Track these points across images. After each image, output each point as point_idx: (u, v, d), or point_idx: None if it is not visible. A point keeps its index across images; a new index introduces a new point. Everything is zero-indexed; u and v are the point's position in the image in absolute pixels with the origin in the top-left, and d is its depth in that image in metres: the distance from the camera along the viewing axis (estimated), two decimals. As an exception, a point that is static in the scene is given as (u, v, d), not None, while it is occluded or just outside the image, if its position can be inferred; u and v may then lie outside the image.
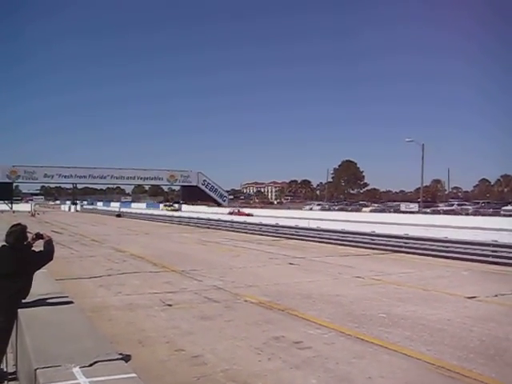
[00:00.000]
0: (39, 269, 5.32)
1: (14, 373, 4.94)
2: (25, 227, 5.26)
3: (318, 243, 23.19)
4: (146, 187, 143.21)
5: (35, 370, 3.35)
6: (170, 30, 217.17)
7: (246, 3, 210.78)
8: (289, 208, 78.74)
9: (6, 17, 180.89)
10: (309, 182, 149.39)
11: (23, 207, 73.70)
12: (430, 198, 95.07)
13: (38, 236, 5.31)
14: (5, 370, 5.01)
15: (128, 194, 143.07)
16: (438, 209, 63.54)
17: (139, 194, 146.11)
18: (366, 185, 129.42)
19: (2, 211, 64.37)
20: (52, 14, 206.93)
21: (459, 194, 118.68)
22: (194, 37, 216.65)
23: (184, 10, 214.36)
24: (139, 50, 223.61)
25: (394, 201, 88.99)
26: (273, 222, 31.12)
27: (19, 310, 4.93)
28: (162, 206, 78.30)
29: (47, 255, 5.25)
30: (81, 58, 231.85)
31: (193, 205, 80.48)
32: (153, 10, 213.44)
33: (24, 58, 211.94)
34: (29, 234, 5.26)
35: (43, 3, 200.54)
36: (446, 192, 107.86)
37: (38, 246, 5.33)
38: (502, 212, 51.54)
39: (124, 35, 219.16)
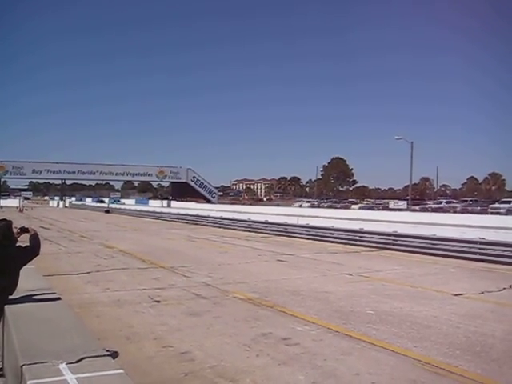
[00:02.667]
0: (26, 264, 5.27)
1: (1, 369, 4.91)
2: (10, 223, 5.19)
3: (306, 240, 23.27)
4: (136, 183, 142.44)
5: (21, 366, 3.34)
6: (162, 29, 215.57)
7: (240, 1, 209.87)
8: (278, 205, 78.87)
9: (1, 15, 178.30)
10: (298, 179, 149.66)
11: (11, 203, 73.06)
12: (419, 195, 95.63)
13: (23, 230, 5.24)
14: (-9, 366, 4.97)
15: (117, 190, 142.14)
16: (427, 206, 63.98)
17: (128, 190, 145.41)
18: (355, 182, 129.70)
19: (-10, 206, 63.81)
20: (47, 11, 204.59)
21: (448, 191, 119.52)
22: (185, 35, 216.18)
23: (172, 9, 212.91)
24: (130, 48, 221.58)
25: (383, 198, 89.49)
26: (262, 218, 31.13)
27: (6, 306, 4.90)
28: None
29: (33, 250, 5.19)
30: (72, 57, 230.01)
31: (182, 201, 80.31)
32: (145, 9, 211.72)
33: (15, 56, 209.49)
34: (14, 229, 5.21)
35: (39, 0, 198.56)
36: (435, 190, 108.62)
37: (25, 241, 5.29)
38: (489, 210, 52.00)
39: (115, 34, 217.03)
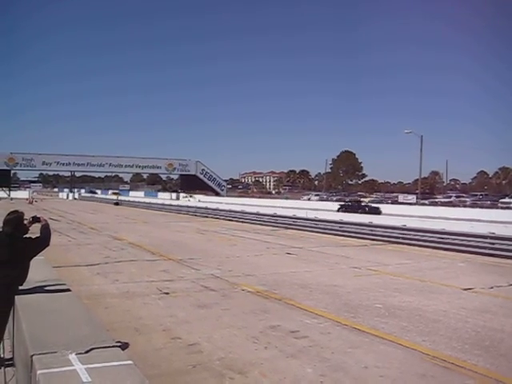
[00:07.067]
0: (36, 255, 5.29)
1: (11, 359, 4.96)
2: (22, 214, 5.21)
3: (315, 233, 23.24)
4: (144, 176, 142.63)
5: (31, 356, 3.36)
6: (169, 21, 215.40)
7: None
8: (287, 198, 78.67)
9: (3, 8, 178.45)
10: (307, 172, 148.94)
11: (21, 194, 73.61)
12: (428, 189, 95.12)
13: (35, 219, 5.25)
14: (2, 356, 5.01)
15: (126, 183, 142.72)
16: (436, 200, 63.68)
17: (137, 182, 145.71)
18: (364, 176, 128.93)
19: (0, 198, 64.28)
20: (49, 4, 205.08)
21: (457, 185, 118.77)
22: (193, 28, 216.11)
23: (181, 1, 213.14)
24: (138, 40, 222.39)
25: (392, 192, 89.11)
26: (270, 211, 31.12)
27: (16, 296, 4.93)
28: None
29: (44, 241, 5.20)
30: (79, 48, 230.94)
31: (191, 194, 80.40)
32: (149, 1, 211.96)
33: (22, 47, 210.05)
34: (25, 220, 5.22)
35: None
36: (444, 184, 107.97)
37: (35, 231, 5.31)
38: (499, 204, 51.64)
39: (123, 25, 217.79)
